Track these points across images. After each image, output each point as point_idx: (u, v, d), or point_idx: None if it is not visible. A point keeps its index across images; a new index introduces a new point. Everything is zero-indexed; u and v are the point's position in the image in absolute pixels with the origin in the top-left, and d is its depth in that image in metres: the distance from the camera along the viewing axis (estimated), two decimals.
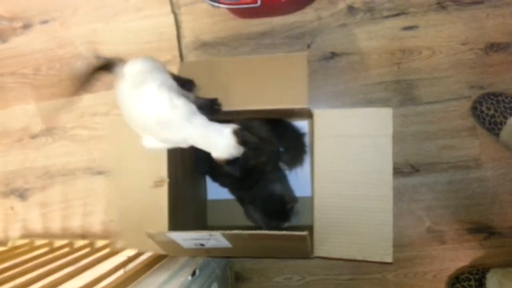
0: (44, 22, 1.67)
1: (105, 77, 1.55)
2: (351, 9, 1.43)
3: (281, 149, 1.37)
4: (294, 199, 1.27)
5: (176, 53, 1.53)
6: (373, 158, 1.08)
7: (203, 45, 1.52)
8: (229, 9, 1.44)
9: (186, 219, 1.24)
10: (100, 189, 1.63)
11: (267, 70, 1.17)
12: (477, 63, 1.36)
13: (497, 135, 1.30)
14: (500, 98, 1.28)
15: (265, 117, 1.27)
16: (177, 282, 1.13)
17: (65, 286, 1.06)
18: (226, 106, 1.12)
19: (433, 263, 1.40)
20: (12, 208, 1.71)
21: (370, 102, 1.41)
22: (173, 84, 1.04)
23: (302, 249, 1.06)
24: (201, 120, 0.99)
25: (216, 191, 1.43)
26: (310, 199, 1.13)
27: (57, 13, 1.66)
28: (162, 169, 1.12)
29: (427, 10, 1.38)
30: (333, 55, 1.44)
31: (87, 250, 1.37)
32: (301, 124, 1.38)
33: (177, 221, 1.16)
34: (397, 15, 1.40)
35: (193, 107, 1.00)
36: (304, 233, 0.95)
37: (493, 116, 1.28)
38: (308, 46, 1.45)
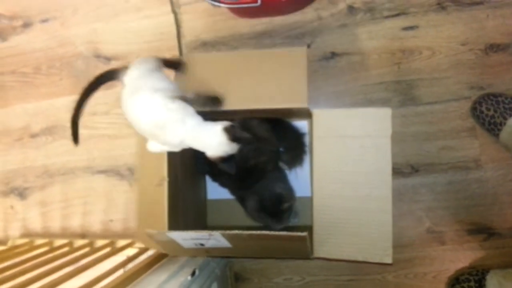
0: (45, 21, 1.67)
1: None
2: (351, 9, 1.43)
3: (281, 149, 1.37)
4: (292, 198, 1.27)
5: (176, 53, 1.53)
6: (372, 159, 1.08)
7: (203, 45, 1.52)
8: (230, 9, 1.44)
9: (185, 219, 1.24)
10: (100, 188, 1.63)
11: (266, 66, 1.15)
12: (477, 63, 1.36)
13: (497, 135, 1.30)
14: (500, 98, 1.28)
15: (265, 117, 1.27)
16: (177, 282, 1.13)
17: (65, 285, 1.06)
18: (225, 106, 1.12)
19: (433, 264, 1.40)
20: (12, 207, 1.71)
21: (370, 102, 1.41)
22: (167, 86, 1.06)
23: (302, 250, 1.06)
24: (195, 121, 1.01)
25: (216, 191, 1.43)
26: (310, 199, 1.13)
27: (58, 12, 1.66)
28: (162, 169, 1.12)
29: (427, 11, 1.38)
30: (333, 55, 1.44)
31: (86, 249, 1.37)
32: (301, 124, 1.37)
33: (177, 220, 1.16)
34: (397, 15, 1.40)
35: (188, 109, 1.01)
36: (304, 234, 0.94)
37: (493, 116, 1.28)
38: (308, 46, 1.45)
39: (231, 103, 1.12)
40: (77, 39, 1.65)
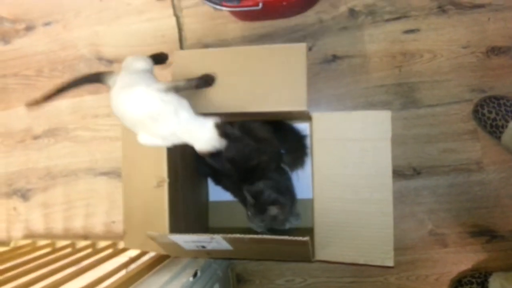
0: (47, 24, 1.68)
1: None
2: (352, 12, 1.43)
3: (282, 151, 1.37)
4: (283, 206, 1.23)
5: None
6: (373, 161, 1.08)
7: (205, 48, 1.53)
8: (231, 12, 1.44)
9: (187, 220, 1.24)
10: (102, 190, 1.63)
11: (265, 65, 1.14)
12: (479, 66, 1.36)
13: (499, 138, 1.30)
14: (501, 101, 1.29)
15: (265, 119, 1.28)
16: (179, 283, 1.13)
17: (67, 286, 1.06)
18: (224, 108, 1.11)
19: (435, 266, 1.39)
20: (14, 208, 1.71)
21: (371, 105, 1.41)
22: (159, 83, 1.08)
23: (303, 253, 1.06)
24: (188, 114, 1.02)
25: (217, 193, 1.43)
26: (311, 201, 1.13)
27: (60, 15, 1.66)
28: (162, 170, 1.12)
29: (428, 14, 1.39)
30: (335, 58, 1.44)
31: (89, 250, 1.37)
32: (303, 126, 1.38)
33: (178, 222, 1.16)
34: (398, 18, 1.41)
35: (182, 102, 1.02)
36: (306, 238, 0.94)
37: (494, 119, 1.28)
38: (310, 49, 1.45)
39: (230, 106, 1.12)
40: (79, 42, 1.65)
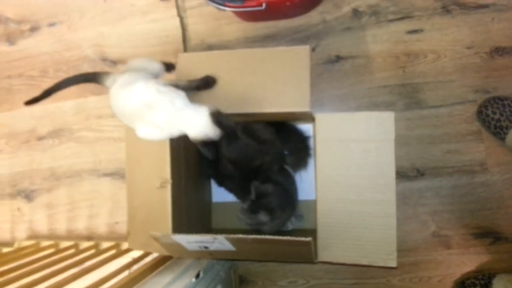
0: (52, 25, 1.68)
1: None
2: (356, 12, 1.43)
3: (285, 152, 1.37)
4: (272, 216, 1.21)
5: None
6: (376, 162, 1.08)
7: (209, 48, 1.53)
8: (235, 12, 1.44)
9: (190, 221, 1.24)
10: (106, 191, 1.64)
11: (268, 67, 1.15)
12: (482, 67, 1.36)
13: (503, 139, 1.29)
14: (505, 102, 1.28)
15: (268, 120, 1.28)
16: (181, 284, 1.13)
17: (70, 287, 1.07)
18: (228, 109, 1.12)
19: (439, 268, 1.39)
20: (18, 209, 1.72)
21: (374, 106, 1.41)
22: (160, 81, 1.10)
23: (306, 254, 1.05)
24: (183, 102, 1.02)
25: (221, 194, 1.43)
26: (314, 202, 1.12)
27: (65, 16, 1.67)
28: (165, 170, 1.13)
29: (432, 14, 1.38)
30: (338, 58, 1.44)
31: (92, 251, 1.38)
32: (306, 127, 1.38)
33: (181, 222, 1.16)
34: (402, 18, 1.40)
35: (179, 92, 1.03)
36: (308, 239, 0.94)
37: (498, 120, 1.28)
38: (313, 50, 1.45)
39: (234, 107, 1.13)
40: (84, 42, 1.66)
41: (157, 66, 1.20)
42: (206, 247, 1.08)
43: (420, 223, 1.39)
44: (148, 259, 1.29)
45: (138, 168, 1.19)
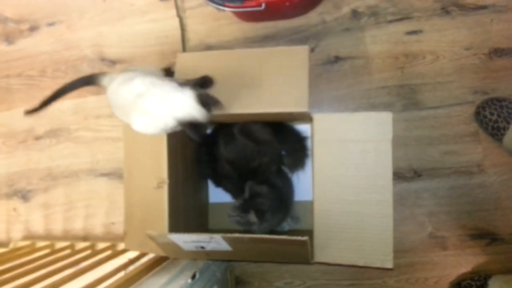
0: (51, 24, 1.69)
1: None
2: (355, 13, 1.43)
3: (283, 153, 1.37)
4: (262, 219, 1.20)
5: None
6: (373, 163, 1.08)
7: (208, 48, 1.53)
8: (234, 13, 1.44)
9: (186, 221, 1.24)
10: (103, 191, 1.63)
11: (267, 67, 1.15)
12: (481, 68, 1.35)
13: (500, 140, 1.29)
14: (503, 103, 1.28)
15: (266, 120, 1.27)
16: (177, 284, 1.13)
17: (66, 287, 1.07)
18: (226, 110, 1.12)
19: (435, 269, 1.39)
20: (15, 209, 1.72)
21: (373, 107, 1.41)
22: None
23: (303, 254, 1.05)
24: (171, 87, 1.03)
25: (217, 195, 1.43)
26: (311, 203, 1.12)
27: (64, 16, 1.67)
28: (162, 170, 1.13)
29: (431, 15, 1.38)
30: (337, 59, 1.44)
31: (88, 252, 1.38)
32: (303, 128, 1.37)
33: (177, 223, 1.16)
34: (401, 19, 1.40)
35: (171, 81, 1.05)
36: (305, 238, 0.94)
37: (496, 121, 1.27)
38: (312, 50, 1.45)
39: (232, 107, 1.13)
40: (83, 42, 1.66)
41: (156, 72, 1.21)
42: (202, 247, 1.07)
43: (416, 224, 1.39)
44: (144, 260, 1.29)
45: (136, 167, 1.20)
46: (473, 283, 1.29)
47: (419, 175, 1.38)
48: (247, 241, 1.03)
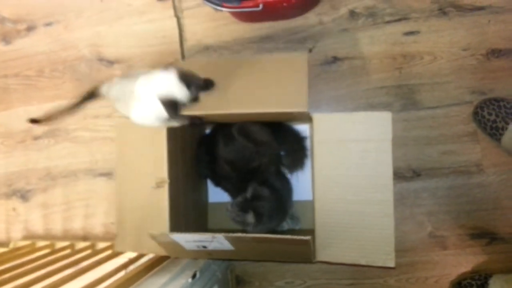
0: (48, 24, 1.68)
1: (108, 80, 1.58)
2: (353, 14, 1.43)
3: (282, 153, 1.37)
4: (258, 222, 1.19)
5: (179, 57, 1.54)
6: (373, 162, 1.08)
7: (206, 49, 1.53)
8: (232, 13, 1.44)
9: (186, 221, 1.24)
10: (102, 191, 1.63)
11: (266, 72, 1.17)
12: (479, 68, 1.36)
13: (499, 140, 1.30)
14: (501, 103, 1.29)
15: (265, 120, 1.28)
16: (178, 284, 1.13)
17: (66, 287, 1.06)
18: (225, 109, 1.12)
19: (435, 269, 1.39)
20: (14, 209, 1.71)
21: (371, 107, 1.41)
22: None
23: (305, 254, 1.06)
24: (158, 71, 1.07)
25: (217, 194, 1.43)
26: (311, 203, 1.13)
27: (61, 16, 1.66)
28: (162, 170, 1.12)
29: (428, 16, 1.39)
30: (335, 59, 1.44)
31: (88, 251, 1.37)
32: (302, 128, 1.38)
33: (178, 222, 1.16)
34: (399, 20, 1.41)
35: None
36: (307, 237, 0.94)
37: (494, 121, 1.28)
38: (310, 51, 1.45)
39: (232, 106, 1.13)
40: (80, 42, 1.65)
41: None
42: (204, 247, 1.07)
43: (416, 224, 1.39)
44: (144, 259, 1.29)
45: (129, 169, 1.19)
46: (473, 282, 1.30)
47: (418, 175, 1.39)
48: (250, 240, 1.03)
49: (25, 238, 1.68)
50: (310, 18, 1.46)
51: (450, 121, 1.37)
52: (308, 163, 1.37)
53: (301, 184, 1.38)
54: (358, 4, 1.43)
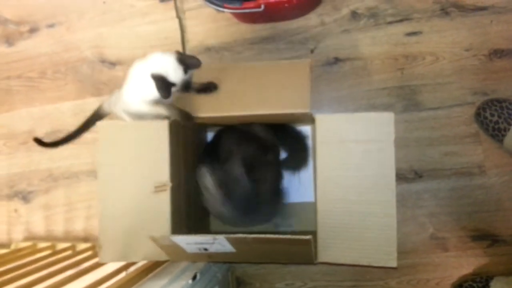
0: (51, 26, 1.68)
1: (110, 82, 1.59)
2: (354, 14, 1.43)
3: (284, 153, 1.37)
4: (214, 177, 1.20)
5: None
6: (376, 163, 1.07)
7: (208, 50, 1.53)
8: (233, 14, 1.45)
9: (188, 224, 1.23)
10: None
11: (270, 76, 1.17)
12: (481, 69, 1.36)
13: (501, 141, 1.29)
14: (504, 104, 1.28)
15: (268, 122, 1.28)
16: (178, 285, 1.13)
17: None
18: (228, 111, 1.12)
19: (436, 271, 1.39)
20: (15, 210, 1.71)
21: (373, 108, 1.41)
22: None
23: (306, 254, 1.05)
24: None
25: None
26: (313, 205, 1.12)
27: (64, 17, 1.67)
28: (164, 173, 1.12)
29: (430, 16, 1.38)
30: (337, 60, 1.44)
31: (89, 253, 1.37)
32: (304, 129, 1.38)
33: (180, 226, 1.15)
34: (401, 21, 1.40)
35: None
36: (308, 237, 0.94)
37: (496, 122, 1.28)
38: (312, 51, 1.45)
39: (235, 108, 1.13)
40: (83, 43, 1.66)
41: None
42: (205, 249, 1.07)
43: (418, 225, 1.39)
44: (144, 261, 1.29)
45: (117, 172, 1.15)
46: (475, 284, 1.29)
47: (420, 176, 1.38)
48: (251, 241, 1.03)
49: (26, 239, 1.68)
50: (311, 19, 1.46)
51: (452, 122, 1.37)
52: (310, 164, 1.37)
53: (303, 185, 1.37)
54: (360, 5, 1.43)
